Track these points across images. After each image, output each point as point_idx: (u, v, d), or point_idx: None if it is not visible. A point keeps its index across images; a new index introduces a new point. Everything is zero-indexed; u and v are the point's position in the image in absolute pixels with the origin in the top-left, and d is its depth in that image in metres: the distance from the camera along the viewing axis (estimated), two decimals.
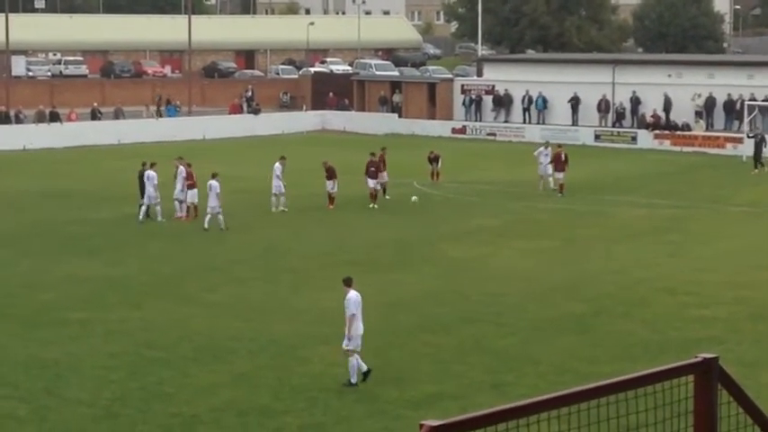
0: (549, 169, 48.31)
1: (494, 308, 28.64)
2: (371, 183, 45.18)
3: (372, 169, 45.33)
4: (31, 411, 20.89)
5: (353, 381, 22.37)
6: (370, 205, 44.40)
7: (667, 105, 68.99)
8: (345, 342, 22.59)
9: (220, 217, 39.92)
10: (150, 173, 41.55)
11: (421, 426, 5.59)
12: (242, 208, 44.12)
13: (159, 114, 77.41)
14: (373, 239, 38.23)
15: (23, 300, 29.39)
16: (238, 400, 21.51)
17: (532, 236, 39.05)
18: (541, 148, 49.56)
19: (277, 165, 44.07)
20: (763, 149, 58.46)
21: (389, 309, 28.46)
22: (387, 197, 45.80)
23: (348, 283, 23.13)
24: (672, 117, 68.42)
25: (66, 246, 36.20)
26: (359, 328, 22.56)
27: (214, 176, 40.45)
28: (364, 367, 22.58)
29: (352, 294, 22.81)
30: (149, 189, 41.38)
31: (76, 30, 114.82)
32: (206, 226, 39.59)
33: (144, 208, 41.62)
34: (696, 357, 6.70)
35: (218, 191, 40.04)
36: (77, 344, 24.94)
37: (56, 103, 77.68)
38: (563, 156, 48.12)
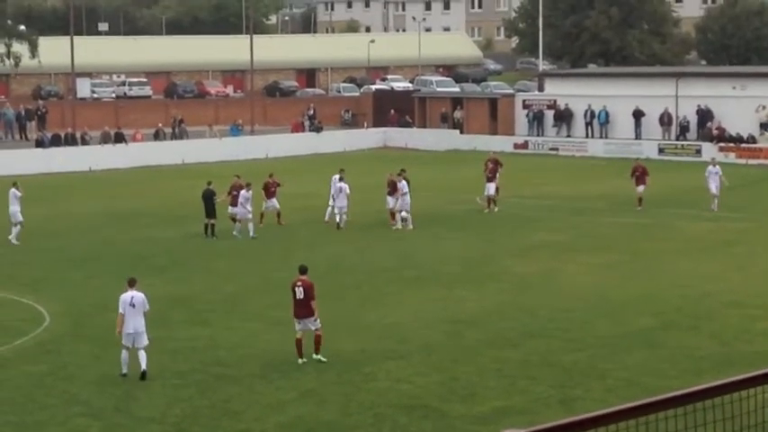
0: (714, 187, 46.63)
1: (560, 323, 28.55)
2: (391, 201, 44.73)
3: (389, 189, 44.89)
4: (102, 429, 21.14)
5: (122, 371, 24.14)
6: (392, 226, 43.81)
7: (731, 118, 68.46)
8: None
9: (250, 225, 41.90)
10: (243, 192, 42.38)
11: None
12: (306, 225, 44.37)
13: (174, 136, 77.22)
14: (438, 255, 38.25)
15: (95, 320, 29.71)
16: (306, 416, 21.61)
17: (598, 250, 38.89)
18: (710, 167, 47.81)
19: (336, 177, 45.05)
20: None
21: (455, 325, 28.48)
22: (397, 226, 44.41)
23: (130, 283, 24.88)
24: (737, 129, 67.85)
25: (134, 265, 36.53)
26: (128, 326, 24.17)
27: (248, 186, 42.36)
28: (123, 370, 24.11)
29: (125, 295, 24.53)
30: (243, 205, 42.20)
31: (140, 51, 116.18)
32: (236, 233, 42.04)
33: (238, 224, 42.58)
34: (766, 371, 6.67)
35: (249, 198, 41.93)
36: (147, 362, 25.17)
37: (120, 124, 78.62)
38: (641, 169, 48.03)
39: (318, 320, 25.20)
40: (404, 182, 43.95)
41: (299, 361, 25.03)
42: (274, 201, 44.78)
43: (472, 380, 23.72)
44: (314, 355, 25.12)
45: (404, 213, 43.68)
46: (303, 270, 25.78)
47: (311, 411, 21.87)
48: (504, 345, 26.50)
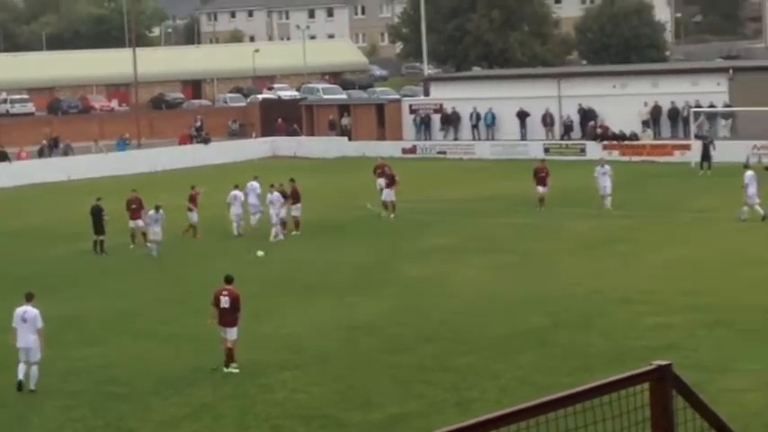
0: (603, 187, 47.49)
1: (453, 325, 28.79)
2: (283, 211, 44.62)
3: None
4: None
5: (19, 377, 24.24)
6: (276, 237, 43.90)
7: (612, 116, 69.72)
8: None
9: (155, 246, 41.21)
10: (254, 183, 42.63)
11: None
12: (191, 239, 44.13)
13: (44, 153, 75.58)
14: (329, 263, 38.30)
15: None
16: (202, 431, 21.49)
17: (488, 252, 39.27)
18: (598, 167, 48.50)
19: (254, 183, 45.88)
20: (711, 153, 59.28)
21: (349, 332, 28.55)
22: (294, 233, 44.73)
23: (27, 297, 25.14)
24: (619, 127, 69.06)
25: (22, 285, 35.87)
26: (20, 341, 24.38)
27: (157, 209, 41.42)
28: (18, 377, 24.23)
29: (19, 309, 24.74)
30: (152, 227, 41.25)
31: (21, 68, 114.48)
32: (154, 254, 41.05)
33: (153, 246, 41.38)
34: (650, 365, 6.85)
35: (158, 219, 41.20)
36: (37, 383, 24.80)
37: (3, 142, 77.20)
38: (545, 170, 48.70)
39: (235, 332, 25.26)
40: (276, 193, 43.94)
41: (224, 370, 25.10)
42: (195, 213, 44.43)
43: (368, 387, 23.81)
44: (224, 369, 25.04)
45: (274, 224, 43.61)
46: (229, 280, 25.93)
47: (207, 426, 21.76)
48: (398, 350, 26.64)
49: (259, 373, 25.07)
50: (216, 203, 46.62)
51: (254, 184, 46.38)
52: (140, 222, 42.96)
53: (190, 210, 44.72)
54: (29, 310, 24.60)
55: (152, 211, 41.46)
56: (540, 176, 48.66)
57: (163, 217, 41.19)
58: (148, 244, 41.40)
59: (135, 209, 43.40)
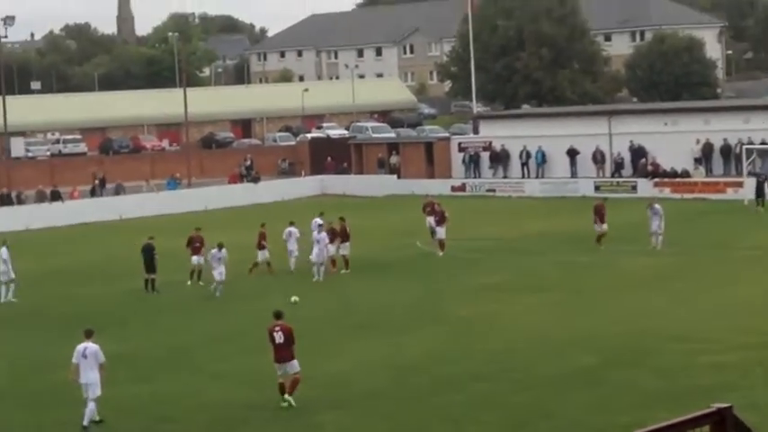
0: (655, 226, 46.60)
1: (504, 364, 28.59)
2: (332, 248, 44.55)
3: (330, 236, 44.66)
4: None
5: (84, 423, 24.38)
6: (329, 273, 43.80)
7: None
8: None
9: (220, 285, 40.83)
10: (215, 252, 41.22)
11: None
12: (244, 276, 44.21)
13: (93, 194, 76.30)
14: (379, 301, 38.23)
15: (35, 380, 29.36)
16: None
17: (538, 290, 39.06)
18: (648, 210, 47.57)
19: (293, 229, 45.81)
20: (766, 190, 58.81)
21: (398, 371, 28.43)
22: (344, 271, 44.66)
23: (87, 334, 25.46)
24: (670, 164, 68.63)
25: (73, 324, 36.10)
26: (80, 377, 24.75)
27: (219, 246, 41.06)
28: (87, 418, 24.42)
29: (79, 346, 25.04)
30: (216, 266, 40.92)
31: (73, 108, 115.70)
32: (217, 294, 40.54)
33: (218, 285, 40.89)
34: (710, 408, 6.73)
35: (222, 257, 40.87)
36: (92, 417, 24.86)
37: (56, 181, 78.02)
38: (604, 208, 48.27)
39: (297, 364, 25.41)
40: (322, 233, 43.84)
41: (283, 404, 25.07)
42: (200, 257, 43.89)
43: (418, 426, 23.66)
44: (285, 396, 25.12)
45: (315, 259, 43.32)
46: (279, 315, 26.03)
47: None
48: (448, 389, 26.47)
49: (309, 411, 25.00)
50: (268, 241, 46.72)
51: (293, 229, 46.17)
52: (201, 260, 43.13)
53: (262, 247, 44.89)
54: (89, 346, 24.93)
55: (214, 250, 41.25)
56: (601, 214, 48.26)
57: (225, 256, 41.13)
58: (212, 285, 41.01)
59: (197, 246, 43.63)
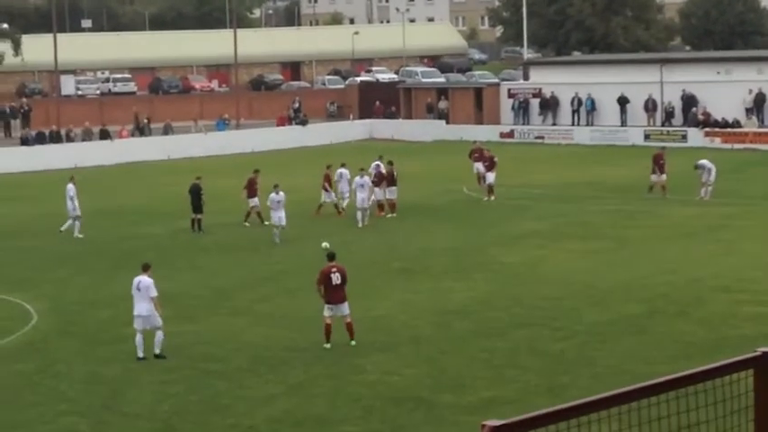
0: (705, 178, 46.04)
1: (548, 312, 28.54)
2: (378, 193, 44.55)
3: (375, 179, 44.64)
4: (90, 427, 21.07)
5: (138, 355, 24.93)
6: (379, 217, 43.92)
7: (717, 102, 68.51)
8: None
9: (277, 231, 40.10)
10: (273, 195, 40.41)
11: (482, 426, 5.59)
12: (292, 218, 44.26)
13: (141, 133, 76.66)
14: (424, 246, 38.22)
15: (82, 317, 29.66)
16: (294, 410, 21.57)
17: (585, 238, 38.91)
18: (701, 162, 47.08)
19: (343, 170, 46.00)
20: None
21: (443, 316, 28.46)
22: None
23: (143, 268, 25.72)
24: (722, 114, 67.91)
25: (121, 262, 36.44)
26: (136, 309, 25.12)
27: (275, 188, 40.55)
28: (138, 354, 24.95)
29: (135, 279, 25.43)
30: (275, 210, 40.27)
31: (124, 48, 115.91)
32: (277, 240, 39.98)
33: (276, 231, 40.21)
34: (756, 351, 6.64)
35: (281, 200, 40.22)
36: (135, 359, 25.12)
37: (105, 120, 78.41)
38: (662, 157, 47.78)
39: (348, 306, 25.65)
40: (366, 177, 43.64)
41: (326, 345, 25.27)
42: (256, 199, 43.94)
43: (461, 370, 23.70)
44: (351, 342, 25.43)
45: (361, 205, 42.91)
46: (332, 256, 26.12)
47: (300, 405, 21.83)
48: (492, 334, 26.49)
49: (352, 354, 25.10)
50: (315, 185, 46.79)
51: (344, 171, 46.27)
52: (257, 201, 43.18)
53: (326, 189, 44.90)
54: (143, 280, 25.32)
55: (273, 193, 40.24)
56: (660, 163, 47.78)
57: (284, 198, 40.28)
58: (274, 230, 40.05)
59: (255, 188, 43.66)
